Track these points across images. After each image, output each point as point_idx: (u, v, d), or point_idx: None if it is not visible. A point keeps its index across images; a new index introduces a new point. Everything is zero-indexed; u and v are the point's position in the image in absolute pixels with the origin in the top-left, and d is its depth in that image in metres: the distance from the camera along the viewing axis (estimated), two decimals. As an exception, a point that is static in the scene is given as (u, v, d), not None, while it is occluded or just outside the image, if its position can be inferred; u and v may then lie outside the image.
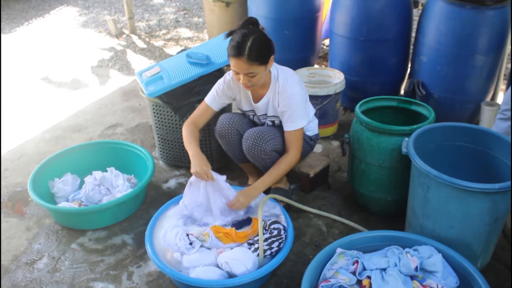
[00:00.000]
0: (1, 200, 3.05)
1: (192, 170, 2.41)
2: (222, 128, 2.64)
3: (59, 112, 4.21)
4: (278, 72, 2.54)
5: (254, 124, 2.76)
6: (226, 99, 2.68)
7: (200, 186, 2.47)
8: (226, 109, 2.98)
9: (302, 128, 2.57)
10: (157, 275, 2.43)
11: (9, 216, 2.91)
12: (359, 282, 2.00)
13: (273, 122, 2.66)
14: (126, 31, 6.19)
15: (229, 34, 2.39)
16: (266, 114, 2.65)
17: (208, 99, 2.68)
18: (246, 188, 2.55)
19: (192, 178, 2.47)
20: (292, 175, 2.92)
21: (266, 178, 2.54)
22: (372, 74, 3.70)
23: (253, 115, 2.73)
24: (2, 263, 2.55)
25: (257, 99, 2.62)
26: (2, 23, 6.73)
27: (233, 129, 2.63)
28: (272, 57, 2.41)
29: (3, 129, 3.94)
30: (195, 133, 2.63)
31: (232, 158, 2.84)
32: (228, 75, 2.63)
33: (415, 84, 3.47)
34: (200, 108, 2.70)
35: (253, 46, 2.29)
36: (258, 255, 2.23)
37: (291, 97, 2.48)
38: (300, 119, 2.53)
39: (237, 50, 2.29)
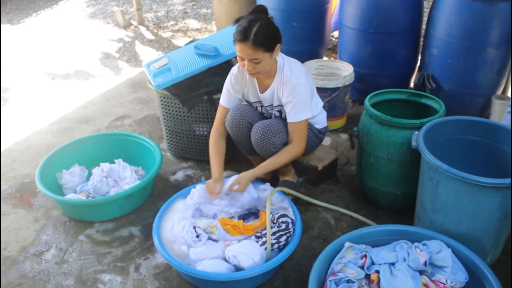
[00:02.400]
0: (10, 191, 3.07)
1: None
2: (233, 120, 2.62)
3: (66, 103, 4.22)
4: (284, 62, 2.52)
5: (263, 116, 2.75)
6: (238, 94, 2.67)
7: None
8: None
9: (306, 121, 2.54)
10: (165, 267, 2.43)
11: (17, 207, 2.92)
12: (367, 276, 1.99)
13: (280, 112, 2.64)
14: (134, 22, 6.18)
15: (237, 20, 2.38)
16: (272, 104, 2.64)
17: (223, 100, 2.68)
18: (244, 172, 2.53)
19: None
20: (300, 168, 2.91)
21: (266, 164, 2.53)
22: (381, 67, 3.66)
23: (261, 106, 2.72)
24: (10, 254, 2.56)
25: (263, 89, 2.61)
26: (11, 14, 6.74)
27: (245, 120, 2.61)
28: (278, 46, 2.39)
29: (11, 120, 3.96)
30: (219, 147, 2.66)
31: (241, 150, 2.83)
32: (234, 70, 2.63)
33: (425, 77, 3.43)
34: (218, 113, 2.71)
35: (259, 31, 2.28)
36: (265, 248, 2.22)
37: (296, 88, 2.46)
38: (304, 110, 2.50)
39: (243, 35, 2.28)
